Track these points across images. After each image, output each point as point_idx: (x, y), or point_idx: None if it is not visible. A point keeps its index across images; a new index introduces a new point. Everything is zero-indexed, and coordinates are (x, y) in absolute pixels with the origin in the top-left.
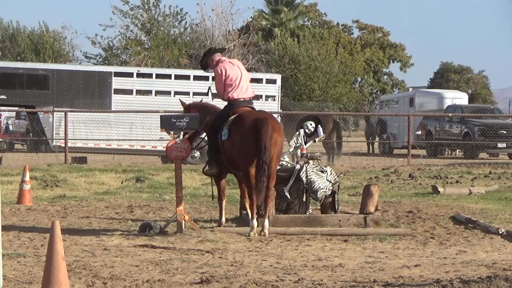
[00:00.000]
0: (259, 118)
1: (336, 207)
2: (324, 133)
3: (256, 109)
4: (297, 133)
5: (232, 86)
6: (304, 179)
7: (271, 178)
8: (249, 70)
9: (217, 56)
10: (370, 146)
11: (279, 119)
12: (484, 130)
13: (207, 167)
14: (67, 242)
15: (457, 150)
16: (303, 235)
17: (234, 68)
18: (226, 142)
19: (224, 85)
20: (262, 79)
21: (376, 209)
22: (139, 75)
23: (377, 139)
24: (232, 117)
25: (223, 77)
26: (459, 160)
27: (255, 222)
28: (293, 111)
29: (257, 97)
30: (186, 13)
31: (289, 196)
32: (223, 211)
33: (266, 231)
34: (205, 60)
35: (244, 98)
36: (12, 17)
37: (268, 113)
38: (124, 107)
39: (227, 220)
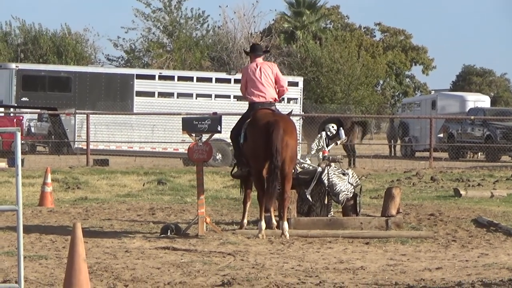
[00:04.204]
0: (270, 121)
1: (358, 210)
2: (345, 135)
3: (275, 112)
4: (319, 135)
5: (251, 88)
6: (326, 181)
7: (287, 181)
8: None
9: (255, 57)
10: (392, 149)
11: (301, 122)
12: (506, 133)
13: (235, 169)
14: (89, 244)
15: (479, 153)
16: (325, 238)
17: (257, 72)
18: (244, 145)
19: (245, 86)
20: None
21: (398, 212)
22: (161, 77)
23: (399, 141)
24: (248, 120)
25: (246, 78)
26: (481, 163)
27: (263, 224)
28: (315, 114)
29: (280, 100)
30: (208, 15)
31: (310, 199)
32: (246, 213)
33: (287, 233)
34: (249, 55)
35: (263, 101)
36: (35, 20)
37: (281, 116)
38: (146, 110)
39: (248, 222)
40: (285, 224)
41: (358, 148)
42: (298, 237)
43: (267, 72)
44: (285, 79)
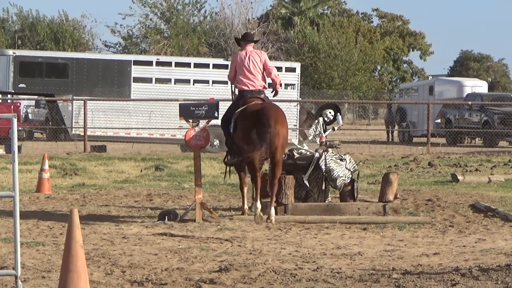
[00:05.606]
0: (259, 110)
1: (355, 195)
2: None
3: (265, 101)
4: (316, 121)
5: (240, 76)
6: (323, 167)
7: (277, 168)
8: (269, 58)
9: (245, 45)
10: (390, 135)
11: (298, 108)
12: (503, 118)
13: (228, 158)
14: (86, 231)
15: (477, 138)
16: (322, 224)
17: (246, 60)
18: (234, 134)
19: (234, 74)
20: (281, 68)
21: (395, 198)
22: (159, 63)
23: (396, 127)
24: (239, 109)
25: (234, 66)
26: (478, 148)
27: (258, 204)
28: (312, 100)
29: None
30: (206, 1)
31: (308, 185)
32: (245, 198)
33: (273, 218)
34: (240, 43)
35: (252, 90)
36: (32, 6)
37: (270, 105)
38: (143, 96)
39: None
40: (272, 210)
41: (356, 134)
42: (296, 223)
43: (255, 60)
44: (273, 67)
